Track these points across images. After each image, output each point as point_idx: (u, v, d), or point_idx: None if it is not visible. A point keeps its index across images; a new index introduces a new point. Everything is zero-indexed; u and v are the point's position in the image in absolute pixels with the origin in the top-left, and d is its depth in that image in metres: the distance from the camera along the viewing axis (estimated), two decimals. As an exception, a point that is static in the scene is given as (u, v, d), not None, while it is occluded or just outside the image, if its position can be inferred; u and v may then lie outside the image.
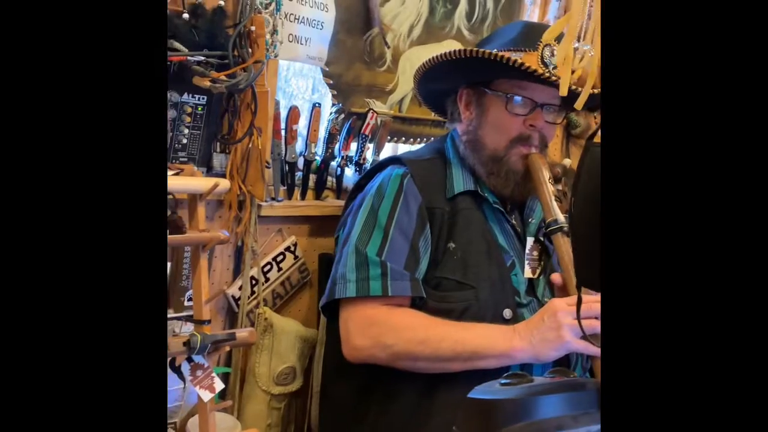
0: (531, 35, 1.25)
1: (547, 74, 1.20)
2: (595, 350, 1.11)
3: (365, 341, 1.18)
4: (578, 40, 0.76)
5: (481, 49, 1.22)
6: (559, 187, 1.98)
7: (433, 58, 1.26)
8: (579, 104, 0.78)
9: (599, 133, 0.82)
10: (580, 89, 1.04)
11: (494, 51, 1.24)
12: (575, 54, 0.76)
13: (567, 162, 2.07)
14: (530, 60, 1.23)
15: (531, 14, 1.95)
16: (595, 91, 1.29)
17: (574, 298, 1.13)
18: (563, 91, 0.77)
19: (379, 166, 1.35)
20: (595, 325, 1.08)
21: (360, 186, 1.35)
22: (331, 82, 1.56)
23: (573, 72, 0.76)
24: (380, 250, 1.19)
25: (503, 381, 0.65)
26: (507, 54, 1.22)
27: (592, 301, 1.08)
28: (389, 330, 1.17)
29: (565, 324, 1.09)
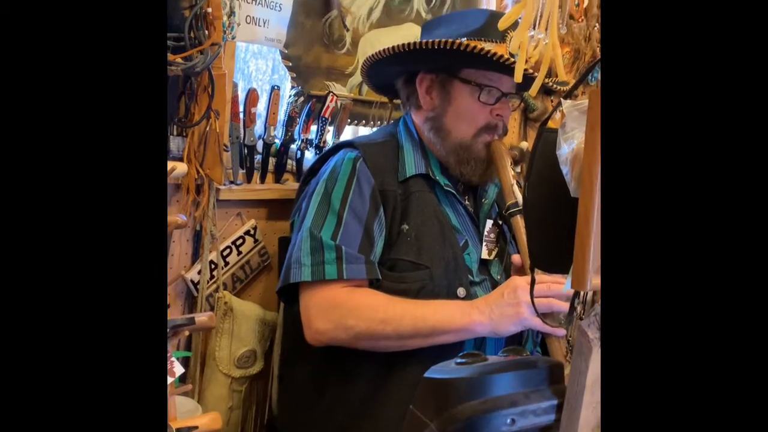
0: (497, 26, 1.26)
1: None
2: (549, 329, 1.15)
3: (327, 324, 1.19)
4: (533, 28, 0.78)
5: (471, 42, 1.22)
6: (518, 170, 2.02)
7: (405, 44, 1.25)
8: (533, 91, 0.80)
9: (554, 117, 0.85)
10: (536, 74, 1.07)
11: (483, 44, 1.24)
12: (530, 41, 0.77)
13: (524, 145, 2.11)
14: (501, 51, 1.24)
15: (488, 0, 1.96)
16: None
17: (536, 277, 1.16)
18: (518, 78, 0.79)
19: (332, 151, 1.35)
20: (552, 304, 1.12)
21: (314, 170, 1.35)
22: (290, 64, 1.55)
23: (530, 58, 0.78)
24: (334, 234, 1.20)
25: (458, 360, 0.67)
26: (487, 46, 1.23)
27: (551, 281, 1.12)
28: (350, 311, 1.18)
29: (524, 301, 1.13)
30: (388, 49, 1.28)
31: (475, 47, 1.20)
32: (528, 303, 1.12)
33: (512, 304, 1.14)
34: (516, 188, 1.26)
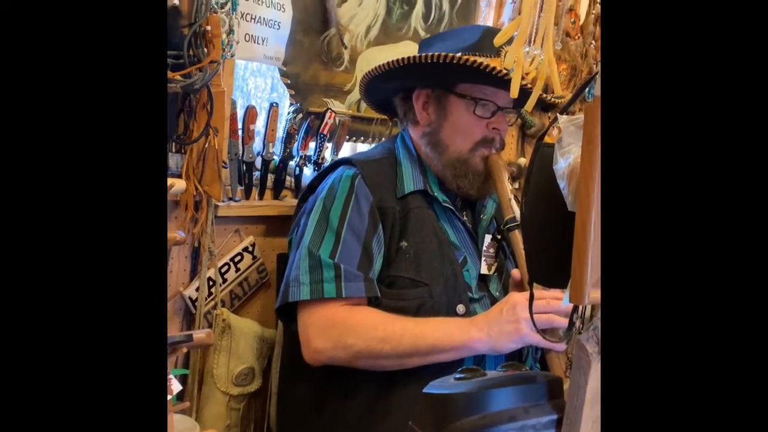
0: (492, 41, 1.26)
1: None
2: (549, 344, 1.15)
3: (326, 343, 1.18)
4: (528, 44, 0.79)
5: (465, 56, 1.23)
6: (516, 185, 2.03)
7: (402, 59, 1.26)
8: (529, 106, 0.81)
9: (550, 132, 0.85)
10: (533, 87, 1.08)
11: (477, 58, 1.25)
12: (526, 57, 0.78)
13: (522, 161, 2.11)
14: (497, 66, 1.25)
15: (486, 17, 1.98)
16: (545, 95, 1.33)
17: (535, 293, 1.16)
18: (514, 93, 0.79)
19: (330, 168, 1.35)
20: (552, 320, 1.11)
21: (312, 187, 1.35)
22: (289, 81, 1.56)
23: (527, 74, 0.79)
24: (333, 252, 1.20)
25: (457, 376, 0.67)
26: (484, 60, 1.24)
27: (551, 297, 1.12)
28: (349, 330, 1.17)
29: (523, 317, 1.12)
30: (385, 64, 1.29)
31: (468, 60, 1.22)
32: (527, 319, 1.12)
33: (511, 321, 1.13)
34: (513, 203, 1.26)
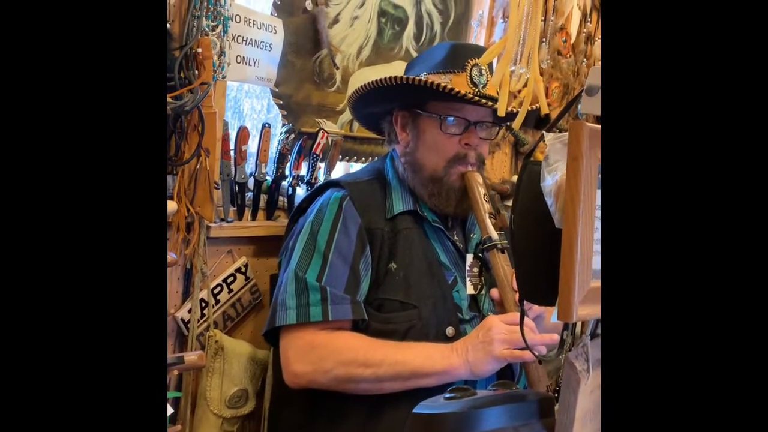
0: (458, 56, 1.28)
1: (477, 95, 1.24)
2: (518, 354, 1.14)
3: (305, 367, 1.19)
4: (514, 63, 0.79)
5: (411, 77, 1.25)
6: (508, 203, 2.03)
7: (365, 85, 1.29)
8: (516, 124, 0.81)
9: (536, 150, 0.85)
10: (495, 106, 1.10)
11: (423, 77, 1.27)
12: (512, 76, 0.78)
13: (516, 179, 2.12)
14: (459, 81, 1.26)
15: (478, 36, 2.00)
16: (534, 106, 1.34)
17: (509, 316, 1.17)
18: (501, 112, 0.80)
19: (319, 190, 1.36)
20: (533, 340, 1.13)
21: (302, 209, 1.36)
22: (281, 102, 1.56)
23: (518, 92, 0.79)
24: (320, 275, 1.20)
25: (447, 395, 0.66)
26: (436, 79, 1.26)
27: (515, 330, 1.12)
28: (329, 354, 1.18)
29: (496, 339, 1.13)
30: (355, 92, 1.32)
31: (422, 82, 1.23)
32: (500, 340, 1.13)
33: (485, 343, 1.14)
34: (489, 222, 1.26)
